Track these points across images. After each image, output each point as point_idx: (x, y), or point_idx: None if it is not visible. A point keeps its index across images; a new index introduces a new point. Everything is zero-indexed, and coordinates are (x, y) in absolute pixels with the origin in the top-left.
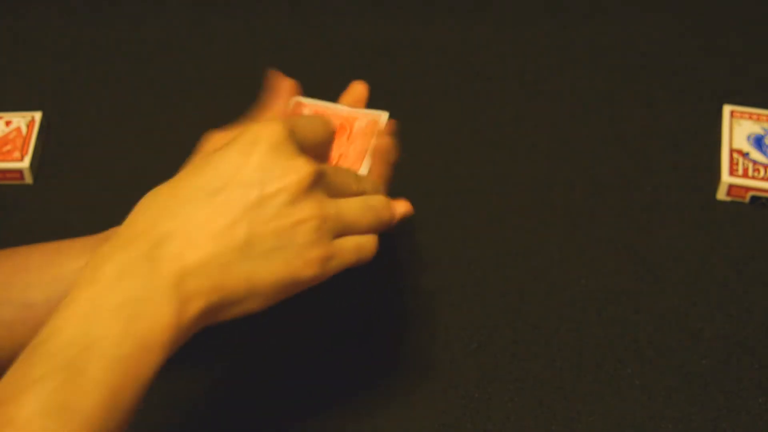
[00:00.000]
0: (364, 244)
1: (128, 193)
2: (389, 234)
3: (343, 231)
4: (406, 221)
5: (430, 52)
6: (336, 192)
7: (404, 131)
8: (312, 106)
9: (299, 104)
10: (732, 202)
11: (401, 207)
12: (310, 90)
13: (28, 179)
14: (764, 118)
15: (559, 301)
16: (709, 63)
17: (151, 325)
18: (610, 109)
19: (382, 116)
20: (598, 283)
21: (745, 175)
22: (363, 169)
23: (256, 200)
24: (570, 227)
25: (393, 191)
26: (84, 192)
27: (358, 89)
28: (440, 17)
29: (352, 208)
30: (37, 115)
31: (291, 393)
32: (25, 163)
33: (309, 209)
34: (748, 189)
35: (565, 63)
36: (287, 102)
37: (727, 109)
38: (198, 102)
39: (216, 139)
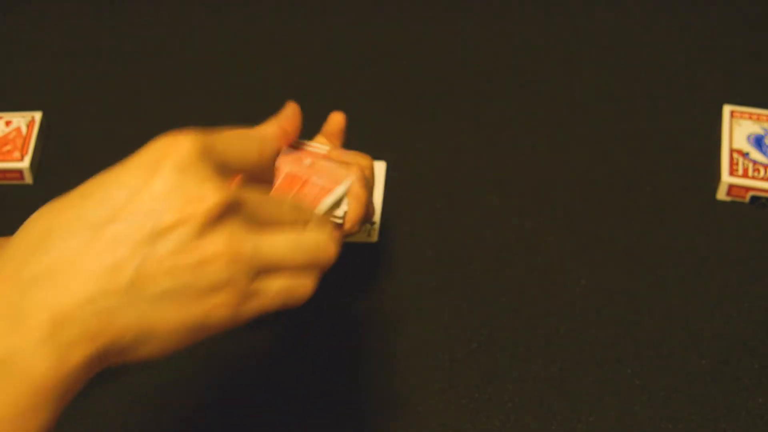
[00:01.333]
0: (293, 287)
1: None
2: (389, 234)
3: (266, 270)
4: (406, 223)
5: (430, 52)
6: (261, 223)
7: (404, 131)
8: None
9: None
10: (732, 202)
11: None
12: (310, 90)
13: (28, 179)
14: (764, 118)
15: (559, 301)
16: (709, 63)
17: (26, 387)
18: (610, 109)
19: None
20: (598, 283)
21: (745, 175)
22: (323, 204)
23: (149, 234)
24: (570, 227)
25: (393, 193)
26: None
27: (335, 119)
28: (440, 17)
29: (278, 244)
30: (37, 115)
31: (290, 393)
32: (25, 163)
33: (216, 245)
34: (748, 189)
35: (565, 63)
36: (288, 142)
37: (727, 109)
38: (198, 102)
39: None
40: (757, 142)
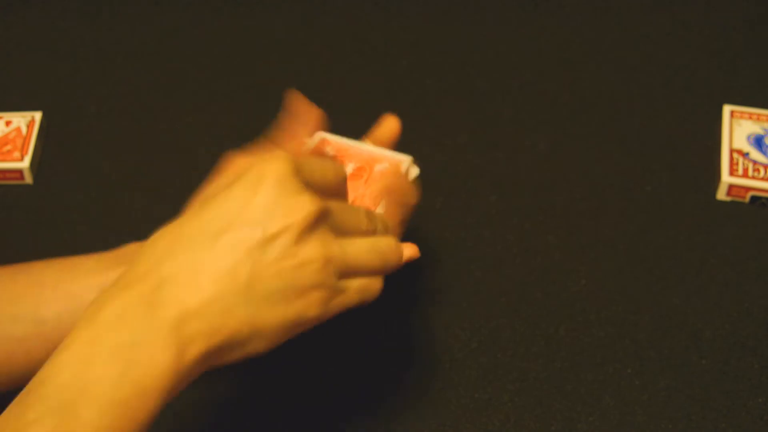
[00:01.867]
0: (369, 286)
1: (128, 193)
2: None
3: (348, 272)
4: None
5: (430, 52)
6: (343, 231)
7: (404, 131)
8: (336, 143)
9: (323, 141)
10: (732, 202)
11: (408, 251)
12: (310, 90)
13: (28, 179)
14: (764, 118)
15: (559, 301)
16: (709, 63)
17: (149, 370)
18: (610, 109)
19: (405, 161)
20: (598, 283)
21: (745, 175)
22: (378, 210)
23: (259, 241)
24: (570, 227)
25: None
26: (84, 192)
27: (389, 125)
28: (441, 17)
29: (359, 249)
30: (37, 115)
31: (289, 393)
32: (25, 163)
33: (313, 250)
34: (748, 189)
35: (565, 63)
36: (310, 133)
37: (727, 109)
38: (198, 102)
39: (236, 162)
40: (757, 142)
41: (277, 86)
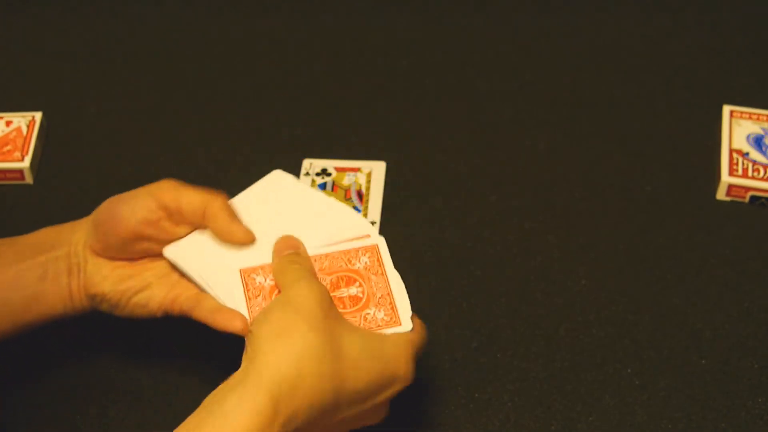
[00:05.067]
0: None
1: None
2: (389, 234)
3: None
4: (406, 223)
5: (430, 52)
6: None
7: (404, 131)
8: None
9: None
10: (732, 202)
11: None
12: (310, 90)
13: (28, 179)
14: (764, 118)
15: (559, 301)
16: (709, 63)
17: None
18: (610, 109)
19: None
20: (598, 283)
21: (744, 175)
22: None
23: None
24: (570, 227)
25: (393, 193)
26: (84, 192)
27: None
28: (441, 17)
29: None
30: (38, 115)
31: None
32: (26, 163)
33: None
34: (747, 189)
35: (565, 63)
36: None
37: (727, 109)
38: (198, 102)
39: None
40: (757, 142)
41: (277, 86)
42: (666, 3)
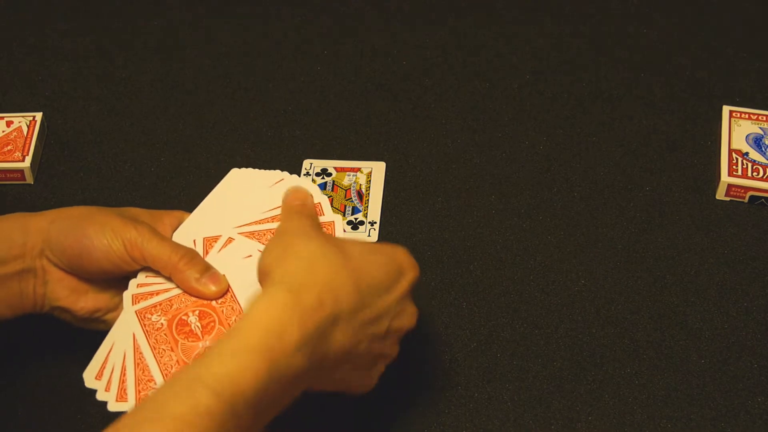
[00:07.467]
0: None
1: (128, 193)
2: (389, 234)
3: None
4: (406, 223)
5: (429, 52)
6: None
7: (404, 131)
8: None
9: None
10: (731, 202)
11: None
12: (310, 91)
13: (29, 179)
14: (764, 118)
15: (559, 301)
16: (709, 63)
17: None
18: (610, 109)
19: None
20: (598, 283)
21: (744, 175)
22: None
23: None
24: (570, 227)
25: (393, 193)
26: (84, 192)
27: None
28: (441, 17)
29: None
30: (38, 116)
31: None
32: (26, 163)
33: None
34: (747, 189)
35: (565, 63)
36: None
37: (726, 109)
38: (198, 102)
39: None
40: (756, 142)
41: (277, 86)
42: (666, 3)
